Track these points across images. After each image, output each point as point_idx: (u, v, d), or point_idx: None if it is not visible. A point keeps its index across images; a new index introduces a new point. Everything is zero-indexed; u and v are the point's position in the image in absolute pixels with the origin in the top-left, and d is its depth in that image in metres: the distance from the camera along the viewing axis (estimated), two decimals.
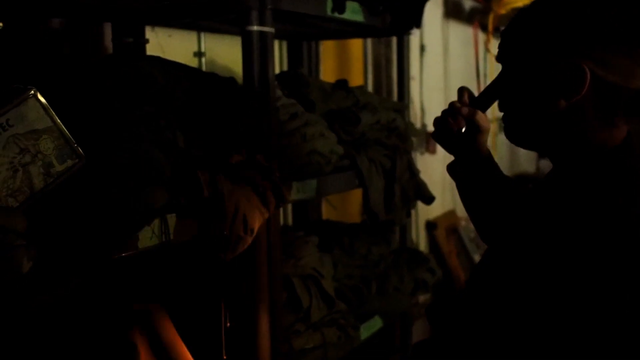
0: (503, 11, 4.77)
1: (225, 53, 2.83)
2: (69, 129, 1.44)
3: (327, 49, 3.63)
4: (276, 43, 3.15)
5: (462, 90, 1.53)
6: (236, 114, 1.92)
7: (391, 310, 2.63)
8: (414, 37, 4.31)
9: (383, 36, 3.58)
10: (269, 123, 2.00)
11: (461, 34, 4.88)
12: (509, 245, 1.30)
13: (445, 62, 4.71)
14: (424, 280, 2.77)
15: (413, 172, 2.66)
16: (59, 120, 1.42)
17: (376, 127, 2.53)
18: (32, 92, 1.38)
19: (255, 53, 1.95)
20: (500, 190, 1.58)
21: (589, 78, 1.19)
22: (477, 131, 1.53)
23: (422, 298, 4.33)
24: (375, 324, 2.55)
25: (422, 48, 4.40)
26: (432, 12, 4.54)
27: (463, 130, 1.51)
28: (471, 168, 1.58)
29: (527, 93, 1.27)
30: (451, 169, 1.64)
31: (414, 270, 2.76)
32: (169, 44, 2.58)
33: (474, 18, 4.95)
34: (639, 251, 1.11)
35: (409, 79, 2.85)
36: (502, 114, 1.36)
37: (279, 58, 3.18)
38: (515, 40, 1.28)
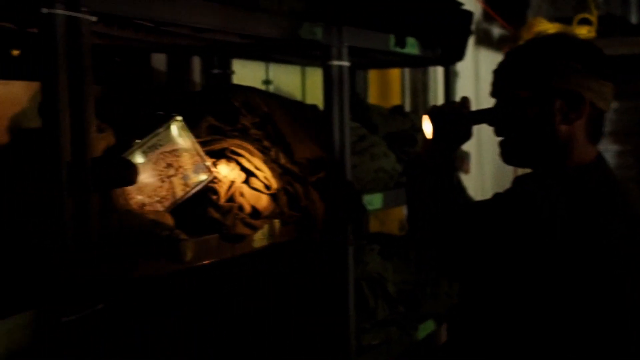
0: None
1: (288, 81, 3.16)
2: None
3: (371, 76, 3.95)
4: None
5: (466, 100, 1.73)
6: (318, 135, 2.22)
7: (443, 314, 2.91)
8: None
9: (430, 65, 3.93)
10: (344, 143, 2.31)
11: (491, 60, 5.19)
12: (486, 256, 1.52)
13: (476, 87, 5.01)
14: None
15: (462, 188, 2.96)
16: (195, 141, 1.74)
17: None
18: (178, 118, 1.70)
19: (334, 83, 2.26)
20: (457, 195, 1.75)
21: (588, 105, 1.52)
22: (464, 138, 1.71)
23: None
24: (429, 325, 2.83)
25: (455, 74, 4.71)
26: None
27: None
28: (438, 167, 1.67)
29: (532, 121, 1.54)
30: (412, 166, 1.74)
31: None
32: (243, 74, 2.91)
33: (503, 45, 5.26)
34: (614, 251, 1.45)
35: None
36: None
37: None
38: (519, 76, 1.55)
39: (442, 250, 1.61)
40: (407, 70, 4.31)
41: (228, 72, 2.58)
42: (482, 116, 1.70)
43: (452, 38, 2.92)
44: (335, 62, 2.27)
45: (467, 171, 4.61)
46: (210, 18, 1.76)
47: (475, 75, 5.01)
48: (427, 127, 1.69)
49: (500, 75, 1.61)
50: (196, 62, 2.62)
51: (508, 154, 1.62)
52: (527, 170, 1.63)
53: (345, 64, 2.30)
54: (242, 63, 2.91)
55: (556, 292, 1.44)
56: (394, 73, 4.31)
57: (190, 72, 2.63)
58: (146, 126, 1.69)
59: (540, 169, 1.58)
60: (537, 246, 1.43)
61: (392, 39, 2.56)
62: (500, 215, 1.51)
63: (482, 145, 4.87)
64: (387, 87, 4.30)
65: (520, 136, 1.58)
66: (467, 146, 4.55)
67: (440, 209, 1.63)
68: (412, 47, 2.69)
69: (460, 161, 2.98)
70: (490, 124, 1.68)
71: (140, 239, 1.49)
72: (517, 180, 1.61)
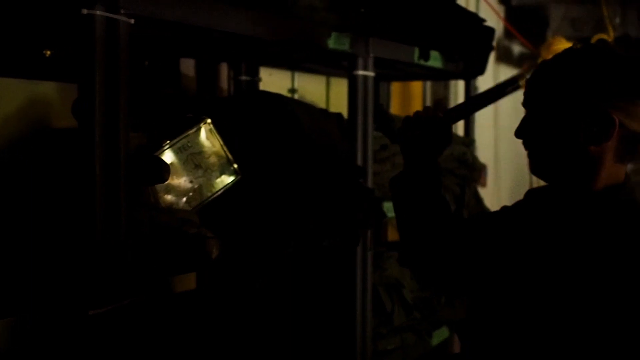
0: (550, 56, 5.10)
1: (313, 90, 3.21)
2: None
3: (393, 88, 4.00)
4: None
5: (439, 102, 1.71)
6: (343, 143, 2.27)
7: (457, 321, 2.93)
8: None
9: (452, 79, 3.99)
10: (367, 151, 2.35)
11: (510, 76, 5.21)
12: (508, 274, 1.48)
13: (495, 102, 5.03)
14: None
15: (479, 199, 2.99)
16: (222, 143, 1.78)
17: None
18: (207, 121, 1.74)
19: (359, 93, 2.31)
20: (443, 208, 1.68)
21: (617, 126, 1.43)
22: (446, 142, 1.68)
23: None
24: (443, 332, 2.86)
25: (475, 89, 4.74)
26: None
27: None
28: (421, 179, 1.67)
29: (559, 138, 1.47)
30: (397, 181, 1.73)
31: None
32: (270, 82, 2.95)
33: (523, 62, 5.30)
34: None
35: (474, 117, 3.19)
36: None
37: None
38: (549, 89, 1.48)
39: (434, 264, 1.60)
40: (428, 84, 4.36)
41: (255, 80, 2.63)
42: (457, 113, 1.66)
43: (474, 53, 2.96)
44: (361, 72, 2.32)
45: (483, 184, 4.64)
46: (240, 23, 1.81)
47: None
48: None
49: (532, 86, 1.53)
50: (224, 69, 2.68)
51: (536, 167, 1.55)
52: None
53: (371, 74, 2.35)
54: (269, 71, 2.96)
55: (576, 311, 1.39)
56: (416, 86, 4.36)
57: (218, 79, 2.68)
58: (176, 128, 1.73)
59: (564, 187, 1.53)
60: (555, 265, 1.42)
61: (416, 52, 2.60)
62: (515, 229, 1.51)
63: (499, 158, 4.90)
64: (409, 99, 4.34)
65: (546, 151, 1.51)
66: (484, 159, 4.62)
67: (428, 221, 1.60)
68: (435, 60, 2.73)
69: (478, 174, 3.01)
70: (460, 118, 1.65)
71: (168, 237, 1.53)
72: (530, 194, 1.59)
